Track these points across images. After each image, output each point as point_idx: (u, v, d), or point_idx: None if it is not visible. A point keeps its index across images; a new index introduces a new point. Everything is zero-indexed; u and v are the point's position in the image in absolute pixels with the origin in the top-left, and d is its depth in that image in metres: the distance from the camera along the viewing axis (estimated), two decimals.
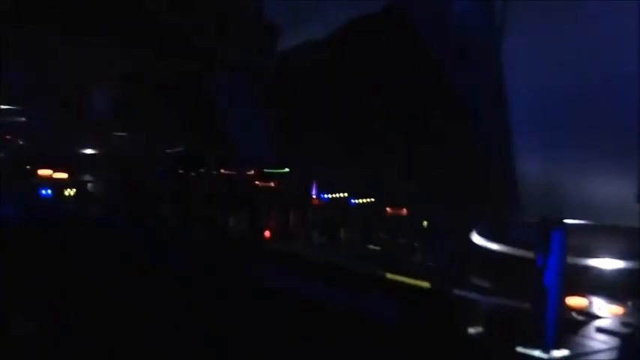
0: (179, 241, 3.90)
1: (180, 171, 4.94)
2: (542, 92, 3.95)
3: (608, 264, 2.95)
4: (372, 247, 3.84)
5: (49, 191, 4.33)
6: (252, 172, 5.01)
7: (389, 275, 3.13)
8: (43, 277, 3.55)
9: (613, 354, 2.27)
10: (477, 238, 3.52)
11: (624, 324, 2.52)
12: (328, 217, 4.27)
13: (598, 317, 2.63)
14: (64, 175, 4.44)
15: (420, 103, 4.48)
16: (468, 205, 3.99)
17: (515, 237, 3.25)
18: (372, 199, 4.56)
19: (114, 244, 3.79)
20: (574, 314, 2.61)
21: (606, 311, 2.69)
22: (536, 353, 2.21)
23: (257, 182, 4.83)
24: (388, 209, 4.36)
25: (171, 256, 3.70)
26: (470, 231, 3.60)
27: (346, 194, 4.62)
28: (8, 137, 4.81)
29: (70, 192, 4.38)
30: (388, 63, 4.66)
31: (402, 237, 3.89)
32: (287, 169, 4.98)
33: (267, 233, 3.91)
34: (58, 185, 4.40)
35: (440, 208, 4.10)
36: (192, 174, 4.96)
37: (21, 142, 4.84)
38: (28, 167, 4.43)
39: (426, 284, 2.92)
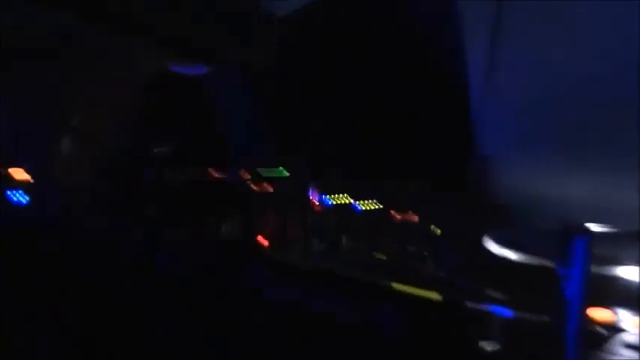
0: (164, 247, 3.94)
1: (168, 171, 4.98)
2: (549, 97, 4.10)
3: (636, 273, 3.00)
4: (377, 255, 3.89)
5: (21, 192, 4.36)
6: (246, 172, 5.04)
7: (396, 286, 3.18)
8: (27, 282, 3.59)
9: None
10: (492, 246, 3.56)
11: None
12: (329, 223, 4.30)
13: (625, 331, 2.68)
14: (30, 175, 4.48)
15: (431, 97, 4.58)
16: (482, 210, 4.04)
17: (534, 244, 3.30)
18: (378, 203, 4.59)
19: (93, 246, 3.82)
20: (598, 328, 2.66)
21: (634, 325, 2.73)
22: None
23: (251, 184, 4.87)
24: (395, 214, 4.40)
25: (156, 263, 3.73)
26: (484, 238, 3.64)
27: (349, 197, 4.65)
28: None
29: (46, 192, 4.42)
30: (393, 52, 4.76)
31: (411, 244, 3.98)
32: (284, 171, 5.01)
33: (261, 240, 3.95)
34: (32, 185, 4.43)
35: (452, 214, 4.14)
36: (180, 174, 5.00)
37: None
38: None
39: (436, 296, 3.00)
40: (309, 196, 4.59)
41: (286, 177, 4.89)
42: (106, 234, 4.09)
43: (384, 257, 3.65)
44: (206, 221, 4.09)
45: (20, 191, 4.44)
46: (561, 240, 2.48)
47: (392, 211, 4.39)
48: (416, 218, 4.32)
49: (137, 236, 4.10)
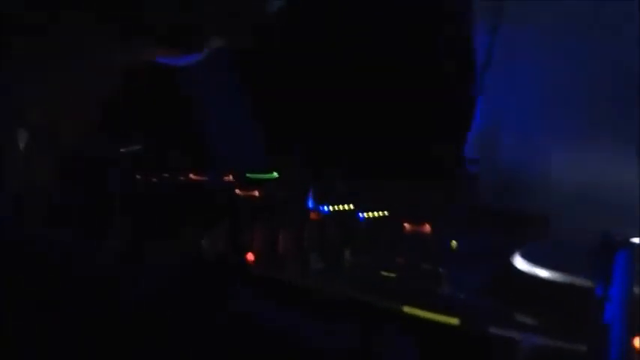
0: (134, 265, 3.95)
1: (138, 175, 4.98)
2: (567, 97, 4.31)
3: None
4: (385, 273, 3.89)
5: None
6: (231, 177, 5.05)
7: (407, 309, 3.19)
8: None
9: None
10: (519, 263, 3.58)
11: None
12: (329, 236, 4.32)
13: None
14: None
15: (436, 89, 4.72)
16: (507, 221, 4.06)
17: (568, 260, 3.31)
18: (386, 212, 4.61)
19: (48, 263, 3.82)
20: None
21: None
22: None
23: (237, 190, 4.88)
24: (407, 225, 4.41)
25: (125, 285, 3.74)
26: (511, 253, 3.66)
27: (352, 206, 4.66)
28: None
29: None
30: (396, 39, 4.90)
31: (425, 261, 3.96)
32: (276, 174, 5.03)
33: (250, 256, 3.96)
34: None
35: (472, 224, 4.16)
36: (154, 179, 5.01)
37: None
38: None
39: (454, 321, 3.00)
40: (305, 204, 4.61)
41: (278, 181, 4.90)
42: (64, 248, 4.09)
43: (393, 275, 3.66)
44: (184, 234, 4.09)
45: None
46: (600, 255, 2.49)
47: (402, 221, 4.41)
48: (430, 229, 4.33)
49: (101, 252, 4.11)
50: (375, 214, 4.59)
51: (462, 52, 4.51)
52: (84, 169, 4.89)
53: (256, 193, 4.75)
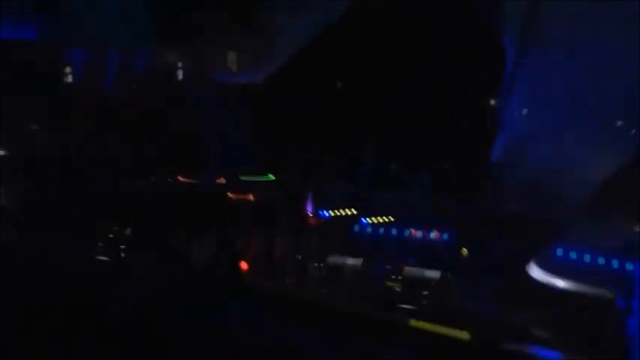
0: (122, 274, 3.94)
1: (124, 177, 4.98)
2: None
3: None
4: (390, 283, 3.89)
5: None
6: (223, 179, 5.04)
7: (414, 323, 3.19)
8: None
9: None
10: (535, 272, 3.58)
11: None
12: (329, 242, 4.31)
13: None
14: None
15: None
16: (521, 226, 4.07)
17: (588, 270, 3.31)
18: (391, 218, 4.59)
19: (30, 272, 3.83)
20: None
21: None
22: None
23: (230, 193, 4.87)
24: (413, 231, 4.40)
25: (110, 295, 3.73)
26: (525, 262, 3.65)
27: (354, 211, 4.65)
28: None
29: None
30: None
31: (433, 269, 3.94)
32: (272, 176, 5.01)
33: (243, 265, 3.95)
34: None
35: (484, 231, 4.15)
36: (140, 182, 5.00)
37: None
38: None
39: (464, 334, 3.00)
40: (303, 208, 4.60)
41: (274, 184, 4.89)
42: (47, 256, 4.11)
43: (398, 285, 3.65)
44: (174, 242, 4.09)
45: None
46: (621, 265, 2.49)
47: (408, 227, 4.40)
48: (438, 236, 4.32)
49: (89, 261, 4.13)
50: (379, 219, 4.58)
51: (489, 64, 4.65)
52: (71, 172, 4.90)
53: (250, 197, 4.74)
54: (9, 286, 3.75)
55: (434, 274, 3.94)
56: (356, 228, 4.57)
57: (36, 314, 3.61)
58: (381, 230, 4.52)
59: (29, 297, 3.73)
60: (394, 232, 4.48)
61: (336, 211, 4.63)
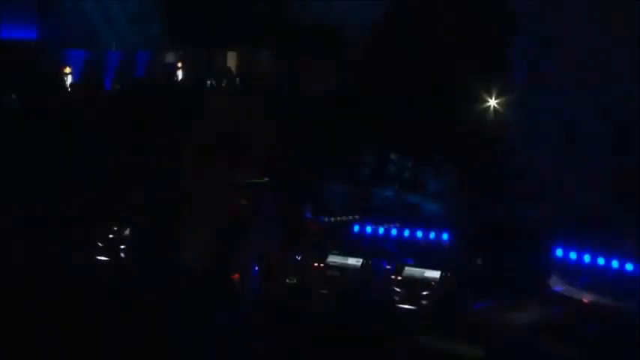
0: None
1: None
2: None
3: None
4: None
5: None
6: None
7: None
8: None
9: None
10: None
11: None
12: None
13: None
14: None
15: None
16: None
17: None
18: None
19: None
20: None
21: None
22: None
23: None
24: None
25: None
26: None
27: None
28: None
29: None
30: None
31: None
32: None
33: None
34: None
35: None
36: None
37: None
38: None
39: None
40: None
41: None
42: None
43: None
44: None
45: None
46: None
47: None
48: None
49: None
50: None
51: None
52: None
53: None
54: (9, 286, 3.71)
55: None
56: (361, 235, 4.54)
57: (36, 314, 3.65)
58: (381, 230, 4.47)
59: (29, 297, 3.70)
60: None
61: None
